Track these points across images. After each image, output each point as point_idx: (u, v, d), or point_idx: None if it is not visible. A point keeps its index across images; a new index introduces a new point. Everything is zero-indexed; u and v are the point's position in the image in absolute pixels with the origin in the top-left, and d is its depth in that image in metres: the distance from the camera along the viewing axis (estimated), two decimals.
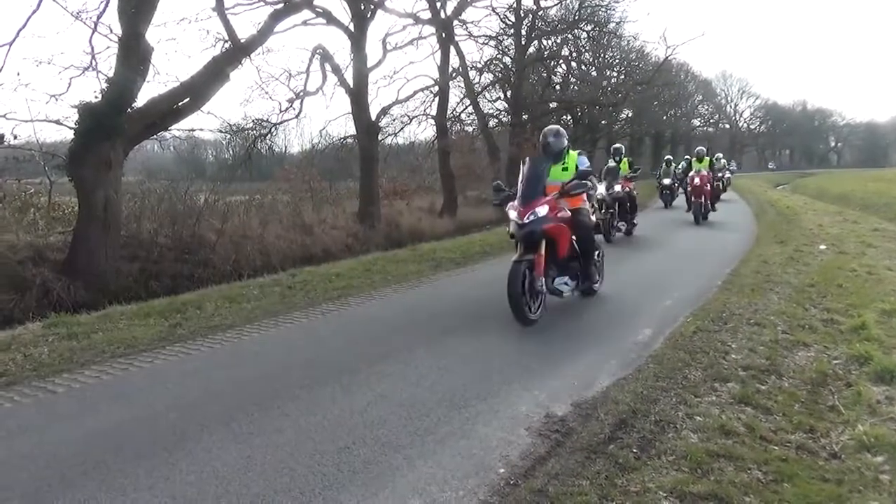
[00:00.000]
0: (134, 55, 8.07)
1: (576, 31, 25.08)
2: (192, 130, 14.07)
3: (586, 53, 29.17)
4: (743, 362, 4.14)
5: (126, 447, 2.94)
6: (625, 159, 11.93)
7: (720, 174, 20.07)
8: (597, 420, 3.24)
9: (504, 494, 2.55)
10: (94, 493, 2.54)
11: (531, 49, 24.70)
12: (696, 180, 13.66)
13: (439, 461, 2.82)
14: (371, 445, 2.96)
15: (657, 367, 4.04)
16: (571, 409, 3.40)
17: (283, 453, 2.88)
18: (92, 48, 9.46)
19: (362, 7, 14.20)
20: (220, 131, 15.62)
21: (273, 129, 17.42)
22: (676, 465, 2.77)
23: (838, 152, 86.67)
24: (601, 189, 9.62)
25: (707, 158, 14.75)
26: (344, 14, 14.50)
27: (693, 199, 13.83)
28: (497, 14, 22.31)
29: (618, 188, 10.40)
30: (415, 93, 20.39)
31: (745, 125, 74.87)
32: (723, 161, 21.58)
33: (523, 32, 23.40)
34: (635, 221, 11.40)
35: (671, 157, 20.29)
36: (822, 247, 9.34)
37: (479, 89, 23.77)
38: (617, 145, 12.65)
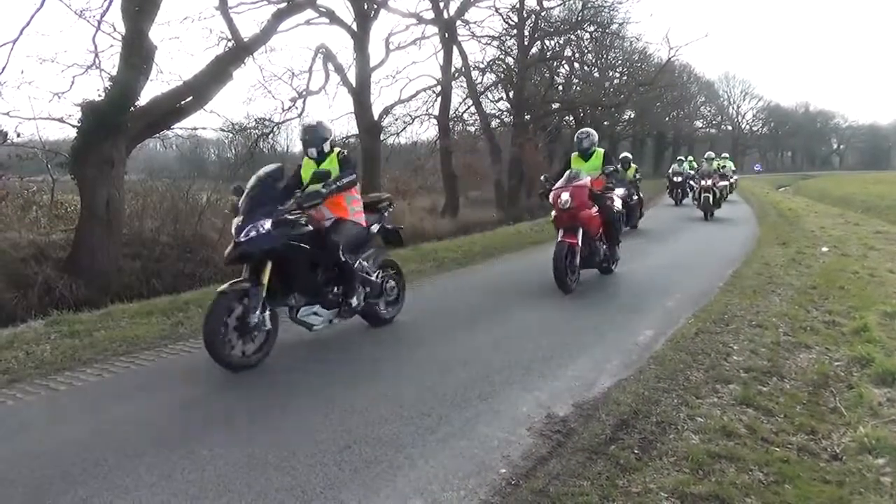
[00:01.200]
0: (137, 54, 8.07)
1: (579, 31, 25.03)
2: (195, 129, 13.96)
3: (589, 54, 29.11)
4: (744, 364, 4.14)
5: (127, 445, 2.95)
6: (334, 153, 4.77)
7: (708, 182, 14.29)
8: (598, 421, 3.25)
9: (505, 494, 2.55)
10: (95, 491, 2.54)
11: (534, 49, 24.68)
12: (564, 198, 6.36)
13: (441, 461, 2.82)
14: (373, 444, 2.96)
15: (658, 368, 4.04)
16: (573, 410, 3.40)
17: (284, 452, 2.88)
18: (95, 46, 9.49)
19: (365, 7, 14.22)
20: (223, 130, 15.64)
21: (275, 128, 17.50)
22: (678, 465, 2.78)
23: (841, 154, 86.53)
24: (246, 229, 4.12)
25: (599, 151, 7.27)
26: (347, 13, 14.55)
27: (560, 237, 6.44)
28: (500, 14, 22.30)
29: (294, 222, 4.35)
30: (417, 92, 20.44)
31: (748, 127, 74.73)
32: (716, 163, 16.50)
33: (526, 33, 23.38)
34: (350, 303, 4.71)
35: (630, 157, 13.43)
36: (824, 249, 9.33)
37: (482, 89, 23.75)
38: (310, 122, 5.18)
